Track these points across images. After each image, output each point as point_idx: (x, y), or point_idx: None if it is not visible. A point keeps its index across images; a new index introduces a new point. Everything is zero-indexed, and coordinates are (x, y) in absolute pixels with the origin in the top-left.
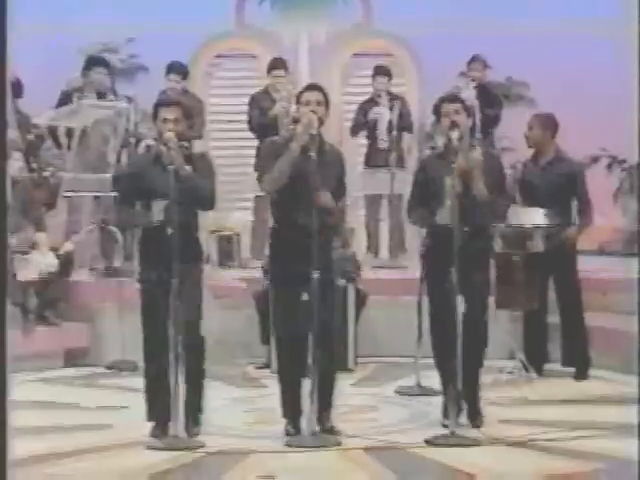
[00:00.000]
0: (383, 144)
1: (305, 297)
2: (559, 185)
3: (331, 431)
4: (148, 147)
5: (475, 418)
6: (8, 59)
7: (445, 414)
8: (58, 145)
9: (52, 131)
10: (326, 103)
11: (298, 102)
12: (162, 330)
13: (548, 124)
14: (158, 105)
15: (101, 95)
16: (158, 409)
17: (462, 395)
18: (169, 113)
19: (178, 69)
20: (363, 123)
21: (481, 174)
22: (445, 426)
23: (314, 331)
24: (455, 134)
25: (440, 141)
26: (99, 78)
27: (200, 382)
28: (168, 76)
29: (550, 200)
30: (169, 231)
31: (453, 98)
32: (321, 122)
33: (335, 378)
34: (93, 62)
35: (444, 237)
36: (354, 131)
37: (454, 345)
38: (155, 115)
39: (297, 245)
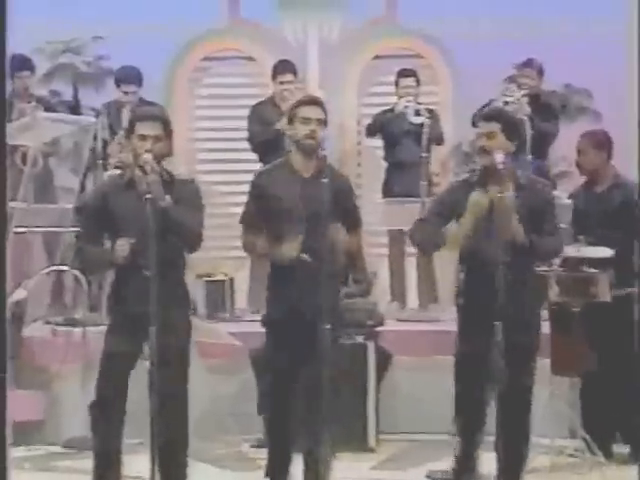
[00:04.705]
0: (421, 159)
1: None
2: (620, 217)
3: None
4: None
5: None
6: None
7: None
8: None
9: None
10: (325, 121)
11: (292, 119)
12: (120, 399)
13: (602, 144)
14: (135, 119)
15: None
16: None
17: None
18: (149, 129)
19: (131, 77)
20: (380, 126)
21: (514, 216)
22: None
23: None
24: (485, 161)
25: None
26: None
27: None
28: (120, 87)
29: (610, 236)
30: (147, 274)
31: (490, 116)
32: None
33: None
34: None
35: (483, 283)
36: (371, 132)
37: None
38: (130, 131)
39: (298, 291)
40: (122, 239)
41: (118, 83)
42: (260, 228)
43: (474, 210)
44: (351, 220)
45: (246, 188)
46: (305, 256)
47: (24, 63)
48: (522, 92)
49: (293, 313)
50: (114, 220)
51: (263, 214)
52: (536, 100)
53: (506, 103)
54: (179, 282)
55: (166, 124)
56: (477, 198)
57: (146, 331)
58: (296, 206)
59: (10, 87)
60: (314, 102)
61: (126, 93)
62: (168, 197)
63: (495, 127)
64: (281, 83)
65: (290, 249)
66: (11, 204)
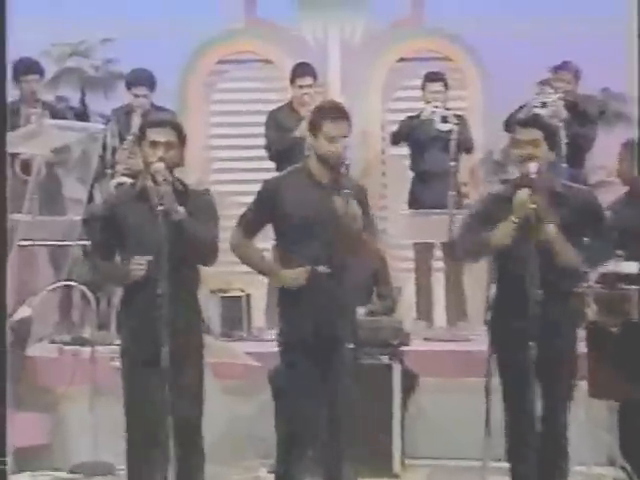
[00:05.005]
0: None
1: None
2: None
3: None
4: (120, 186)
5: None
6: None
7: None
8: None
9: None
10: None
11: (315, 133)
12: (153, 425)
13: None
14: (146, 125)
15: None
16: None
17: None
18: (161, 135)
19: (142, 79)
20: (406, 133)
21: (563, 243)
22: None
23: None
24: (529, 170)
25: (513, 172)
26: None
27: None
28: (131, 90)
29: None
30: (159, 291)
31: (531, 122)
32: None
33: None
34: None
35: (516, 300)
36: (396, 139)
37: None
38: (141, 137)
39: (311, 304)
40: (138, 257)
41: (129, 86)
42: (255, 233)
43: (520, 210)
44: (367, 230)
45: None
46: (323, 268)
47: (31, 66)
48: (558, 95)
49: (308, 331)
50: (125, 233)
51: (274, 223)
52: (573, 105)
53: (543, 104)
54: (192, 299)
55: (179, 130)
56: (524, 197)
57: (159, 350)
58: (313, 213)
59: (16, 92)
60: (340, 116)
61: (137, 96)
62: (182, 209)
63: (537, 134)
64: (300, 87)
65: (297, 278)
66: (15, 216)
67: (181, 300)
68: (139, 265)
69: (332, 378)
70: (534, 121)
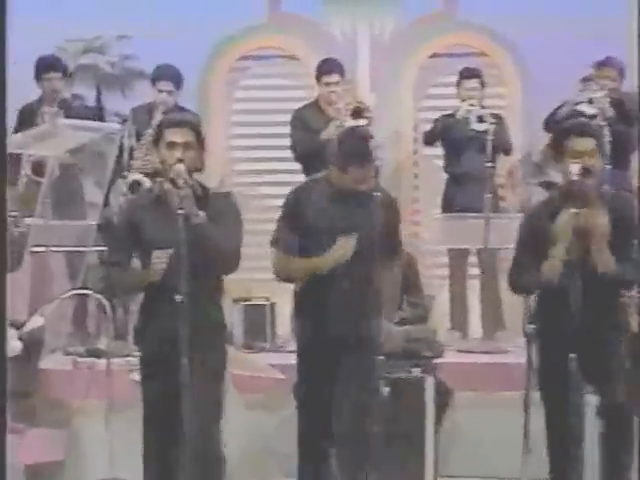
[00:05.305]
0: (485, 169)
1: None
2: None
3: None
4: (135, 183)
5: None
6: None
7: None
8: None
9: (15, 161)
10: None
11: (340, 171)
12: (173, 442)
13: None
14: (163, 126)
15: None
16: None
17: None
18: (178, 135)
19: (168, 75)
20: (440, 133)
21: (606, 243)
22: None
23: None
24: (571, 171)
25: (555, 176)
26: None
27: None
28: (157, 84)
29: None
30: (178, 298)
31: (584, 131)
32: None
33: None
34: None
35: (557, 311)
36: (429, 139)
37: (578, 465)
38: (158, 138)
39: (329, 316)
40: (159, 251)
41: (154, 81)
42: (294, 250)
43: (564, 236)
44: (391, 243)
45: None
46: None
47: (52, 64)
48: (604, 92)
49: (324, 341)
50: (142, 238)
51: (301, 233)
52: (619, 103)
53: (590, 100)
54: (214, 307)
55: (198, 132)
56: (566, 222)
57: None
58: (337, 222)
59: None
60: (367, 160)
61: (161, 91)
62: (202, 213)
63: (593, 143)
64: (327, 85)
65: (344, 250)
66: (27, 220)
67: (202, 308)
68: (159, 259)
69: (345, 387)
70: (588, 128)
